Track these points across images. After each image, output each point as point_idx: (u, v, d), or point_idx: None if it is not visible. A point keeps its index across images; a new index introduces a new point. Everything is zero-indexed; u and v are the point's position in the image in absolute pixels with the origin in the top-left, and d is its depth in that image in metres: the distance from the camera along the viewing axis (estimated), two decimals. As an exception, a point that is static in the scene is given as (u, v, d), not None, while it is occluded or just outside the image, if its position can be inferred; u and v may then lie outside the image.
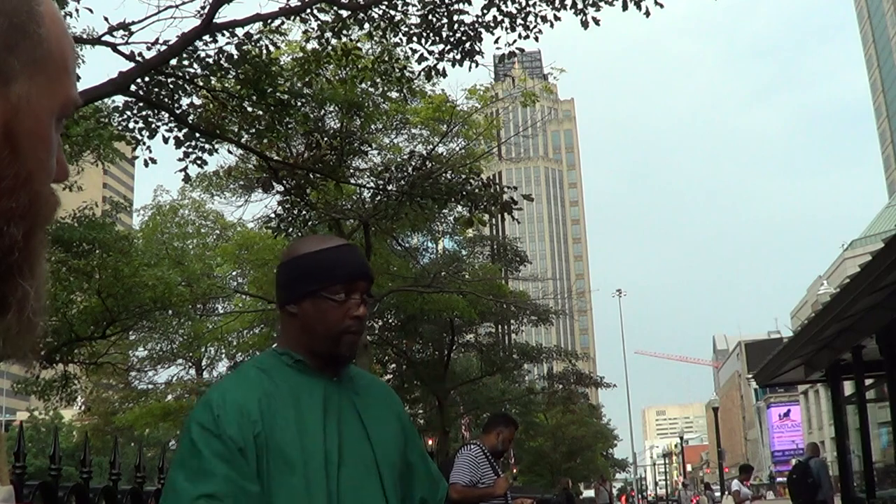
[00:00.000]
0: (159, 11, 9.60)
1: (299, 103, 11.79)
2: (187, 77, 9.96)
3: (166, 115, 10.13)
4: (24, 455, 2.41)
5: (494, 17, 10.47)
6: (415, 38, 10.67)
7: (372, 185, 14.94)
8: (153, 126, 10.21)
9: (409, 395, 27.40)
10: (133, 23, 9.46)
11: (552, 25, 10.50)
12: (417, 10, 10.63)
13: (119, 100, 10.40)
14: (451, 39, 10.53)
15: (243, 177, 19.75)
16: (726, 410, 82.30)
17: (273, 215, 14.41)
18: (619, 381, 48.37)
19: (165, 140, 10.25)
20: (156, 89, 9.87)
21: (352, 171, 16.07)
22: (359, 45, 11.85)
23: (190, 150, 10.45)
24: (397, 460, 1.88)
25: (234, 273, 25.68)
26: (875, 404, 12.77)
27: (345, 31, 11.09)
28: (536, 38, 10.69)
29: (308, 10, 10.46)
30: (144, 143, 10.35)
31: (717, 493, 39.91)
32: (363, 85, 13.82)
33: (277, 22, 10.85)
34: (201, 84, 10.23)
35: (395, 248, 23.73)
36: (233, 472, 1.66)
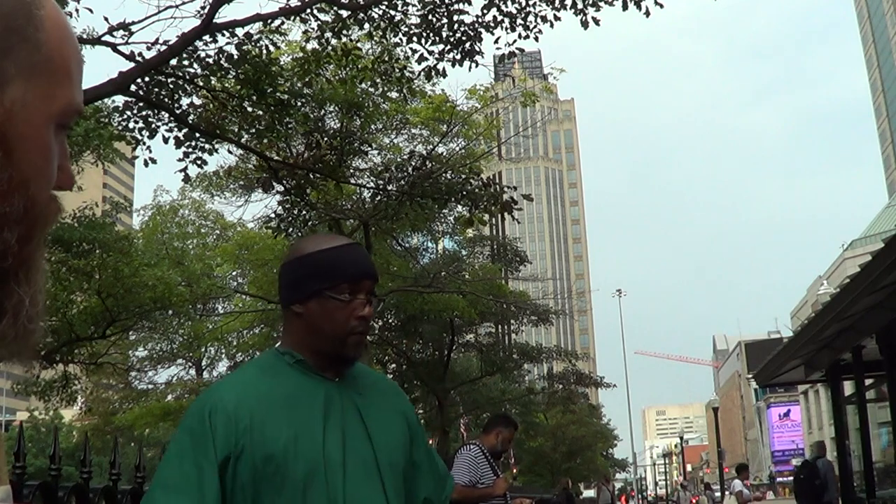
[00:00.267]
0: (159, 11, 9.61)
1: (299, 103, 11.80)
2: (187, 77, 9.97)
3: (166, 115, 10.13)
4: (24, 455, 2.41)
5: (494, 17, 10.48)
6: (415, 38, 10.67)
7: (372, 185, 14.95)
8: (153, 126, 10.22)
9: (410, 395, 27.35)
10: (133, 23, 9.47)
11: (552, 25, 10.50)
12: (417, 10, 10.63)
13: (119, 100, 10.42)
14: (451, 39, 10.53)
15: (243, 177, 19.74)
16: (726, 410, 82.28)
17: (273, 215, 14.42)
18: (619, 381, 48.29)
19: (165, 140, 10.26)
20: (156, 89, 9.87)
21: (352, 171, 16.08)
22: (359, 45, 11.85)
23: (190, 150, 10.45)
24: (400, 460, 1.85)
25: (234, 273, 25.68)
26: (875, 404, 12.78)
27: (345, 31, 11.09)
28: (536, 38, 10.70)
29: (308, 10, 10.46)
30: (144, 143, 10.36)
31: (717, 494, 39.89)
32: (363, 85, 13.81)
33: (277, 22, 10.85)
34: (201, 84, 10.23)
35: (395, 248, 23.73)
36: (203, 485, 1.67)
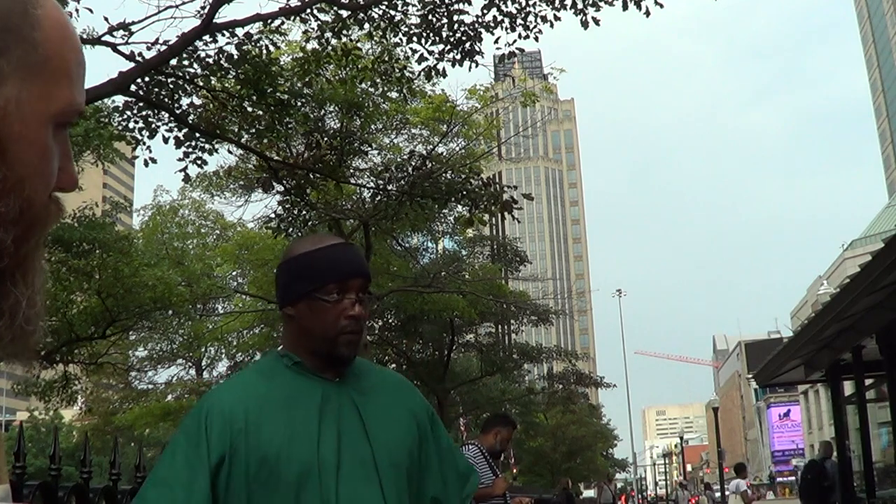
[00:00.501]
0: (159, 11, 9.61)
1: (299, 103, 11.80)
2: (187, 77, 9.96)
3: (166, 115, 10.13)
4: (24, 455, 2.41)
5: (494, 17, 10.47)
6: (415, 38, 10.66)
7: (372, 185, 14.93)
8: (153, 126, 10.22)
9: (410, 395, 27.36)
10: (133, 23, 9.47)
11: (552, 25, 10.50)
12: (417, 10, 10.63)
13: (119, 100, 10.42)
14: (451, 39, 10.53)
15: (243, 177, 19.74)
16: (726, 410, 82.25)
17: (273, 215, 14.41)
18: (619, 381, 48.35)
19: (165, 140, 10.25)
20: (156, 89, 9.87)
21: (352, 171, 16.07)
22: (359, 45, 11.85)
23: (190, 150, 10.45)
24: (404, 460, 1.81)
25: (234, 273, 25.68)
26: (875, 404, 12.77)
27: (345, 31, 11.08)
28: (536, 38, 10.69)
29: (308, 10, 10.45)
30: (144, 143, 10.36)
31: (717, 494, 39.87)
32: (363, 85, 13.81)
33: (277, 22, 10.85)
34: (201, 84, 10.23)
35: (395, 248, 23.72)
36: (193, 483, 1.67)
